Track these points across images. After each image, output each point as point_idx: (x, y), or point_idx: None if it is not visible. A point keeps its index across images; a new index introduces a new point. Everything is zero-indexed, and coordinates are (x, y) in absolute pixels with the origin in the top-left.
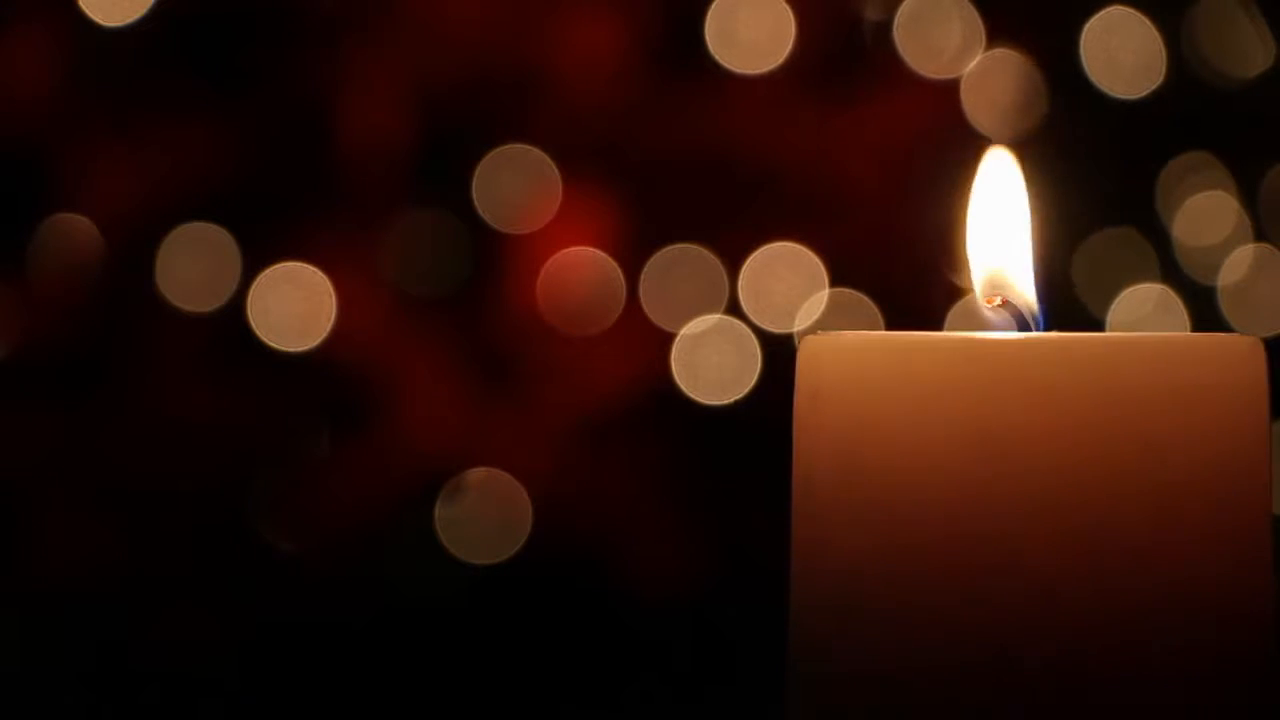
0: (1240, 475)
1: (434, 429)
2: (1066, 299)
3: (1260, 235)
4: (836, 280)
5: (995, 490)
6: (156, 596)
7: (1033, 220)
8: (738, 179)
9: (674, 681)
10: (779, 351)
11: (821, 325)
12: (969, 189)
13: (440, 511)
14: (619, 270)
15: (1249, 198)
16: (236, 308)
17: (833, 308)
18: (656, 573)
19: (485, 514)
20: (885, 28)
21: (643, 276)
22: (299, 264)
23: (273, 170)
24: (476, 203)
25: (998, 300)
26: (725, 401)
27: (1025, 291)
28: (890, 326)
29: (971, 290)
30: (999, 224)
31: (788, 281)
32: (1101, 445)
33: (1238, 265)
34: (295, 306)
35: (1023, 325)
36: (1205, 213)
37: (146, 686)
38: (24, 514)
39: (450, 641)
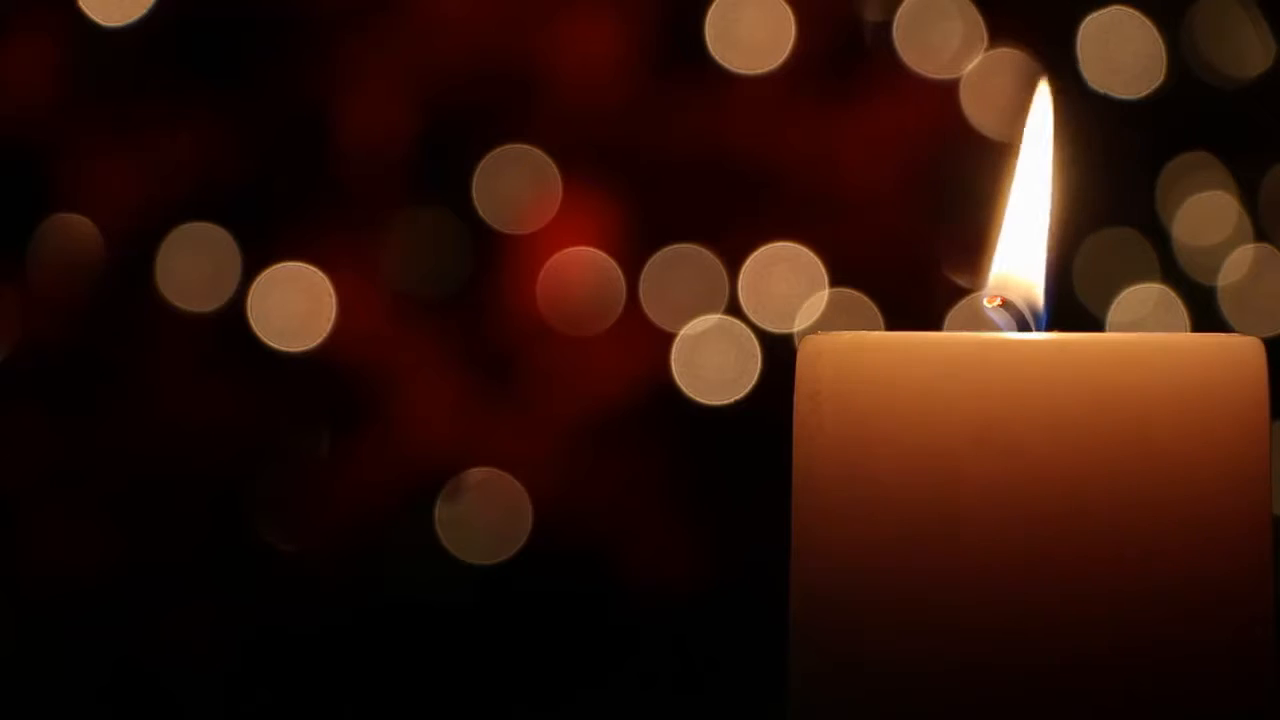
0: (1240, 475)
1: (434, 429)
2: (1066, 299)
3: (1260, 235)
4: (836, 280)
5: (995, 490)
6: (156, 597)
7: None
8: (738, 179)
9: (674, 681)
10: (779, 351)
11: (821, 325)
12: (1007, 178)
13: (440, 511)
14: (619, 270)
15: (1249, 198)
16: (236, 308)
17: (833, 308)
18: (656, 572)
19: (485, 514)
20: (885, 28)
21: (643, 276)
22: (299, 264)
23: (273, 170)
24: (476, 203)
25: (998, 300)
26: (725, 401)
27: (1033, 290)
28: (890, 326)
29: (976, 287)
30: (1033, 195)
31: (788, 281)
32: (1101, 445)
33: (1238, 265)
34: (295, 306)
35: (1023, 325)
36: (1205, 213)
37: (146, 686)
38: (24, 514)
39: (450, 642)
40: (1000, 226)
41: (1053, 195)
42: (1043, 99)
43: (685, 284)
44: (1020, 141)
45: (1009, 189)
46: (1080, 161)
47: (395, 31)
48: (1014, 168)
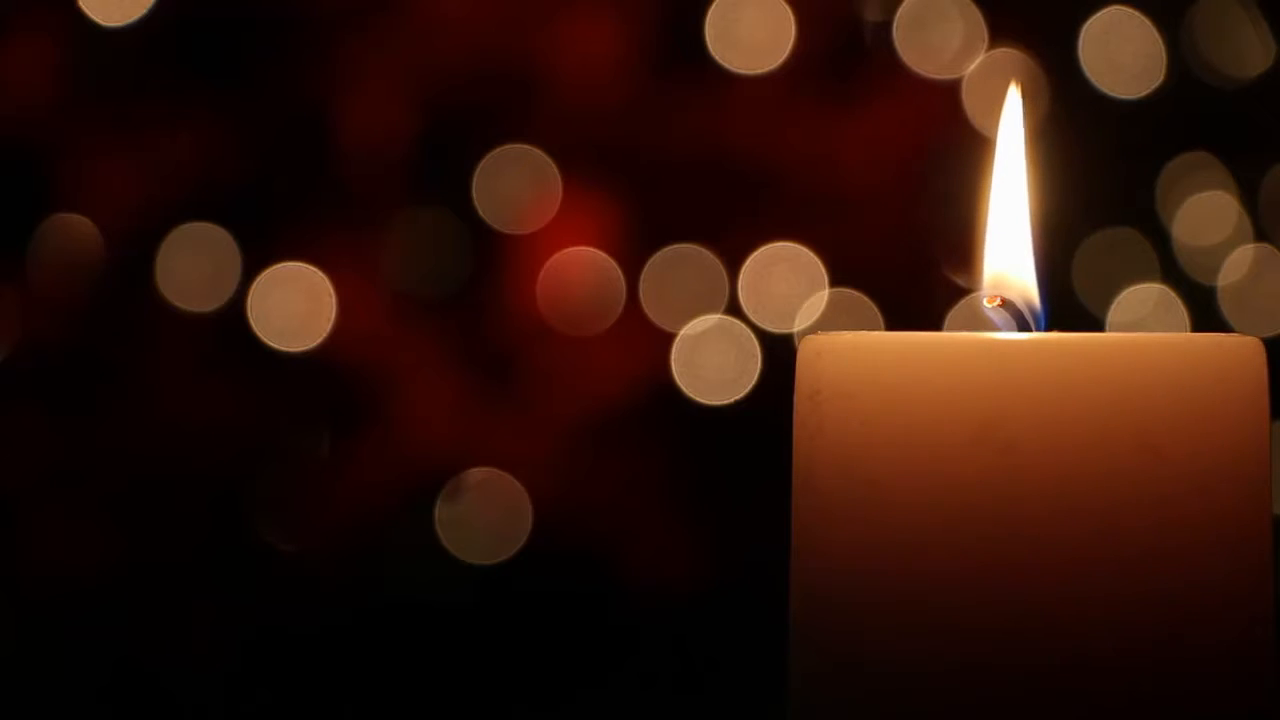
0: (1240, 475)
1: (434, 429)
2: (1066, 299)
3: (1260, 235)
4: (836, 280)
5: (995, 490)
6: (156, 597)
7: (1032, 195)
8: (738, 179)
9: (674, 681)
10: (779, 351)
11: (821, 325)
12: (985, 179)
13: (440, 511)
14: (619, 270)
15: (1249, 198)
16: (236, 308)
17: (833, 308)
18: (656, 572)
19: (485, 514)
20: (885, 28)
21: (643, 276)
22: (299, 264)
23: (273, 170)
24: (476, 203)
25: (998, 300)
26: (725, 401)
27: (1028, 290)
28: (890, 326)
29: (974, 288)
30: (1014, 194)
31: (788, 281)
32: (1101, 445)
33: (1238, 265)
34: (295, 306)
35: (1023, 325)
36: (1205, 213)
37: (146, 686)
38: (24, 514)
39: (450, 642)
40: (984, 227)
41: (1031, 195)
42: (1013, 102)
43: (685, 284)
44: (997, 143)
45: (989, 190)
46: (1081, 161)
47: (395, 31)
48: (993, 169)
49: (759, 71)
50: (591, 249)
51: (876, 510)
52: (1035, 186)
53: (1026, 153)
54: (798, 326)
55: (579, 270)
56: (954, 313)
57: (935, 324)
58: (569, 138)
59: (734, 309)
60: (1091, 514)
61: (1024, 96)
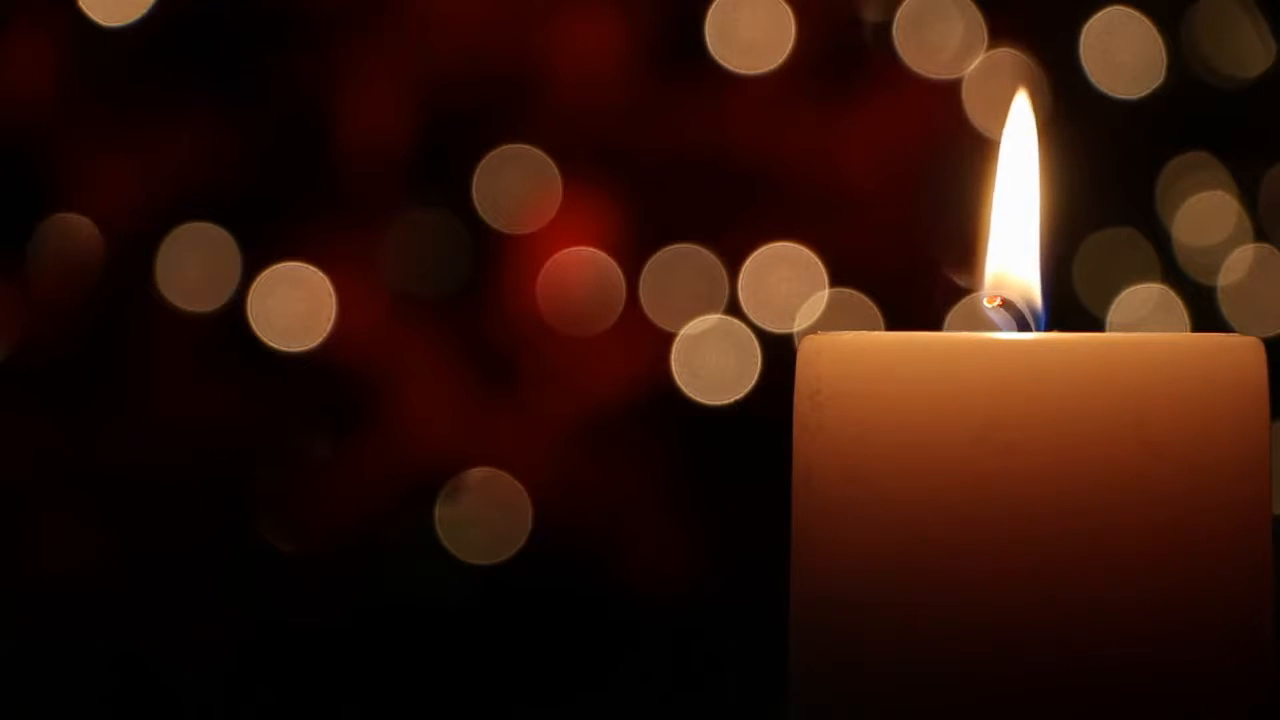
0: (1240, 475)
1: (434, 429)
2: (1066, 299)
3: (1260, 235)
4: (836, 280)
5: (995, 490)
6: (156, 597)
7: (1041, 195)
8: (738, 179)
9: (674, 681)
10: (779, 351)
11: (821, 325)
12: (989, 177)
13: (440, 511)
14: (619, 270)
15: (1249, 198)
16: (236, 308)
17: (833, 308)
18: (656, 573)
19: (485, 514)
20: (885, 28)
21: (643, 276)
22: (299, 264)
23: (272, 170)
24: (476, 203)
25: (998, 300)
26: (725, 401)
27: (1029, 290)
28: (890, 326)
29: (974, 288)
30: (1020, 197)
31: (788, 281)
32: (1101, 445)
33: (1238, 265)
34: (295, 306)
35: (1023, 325)
36: (1205, 213)
37: (147, 686)
38: (23, 514)
39: (450, 642)
40: (988, 228)
41: (1041, 198)
42: (1021, 106)
43: (685, 284)
44: (1001, 143)
45: (993, 190)
46: (1081, 161)
47: (395, 31)
48: (996, 169)
49: (759, 71)
50: (591, 249)
51: (876, 510)
52: (1041, 188)
53: (1038, 156)
54: (798, 326)
55: (579, 270)
56: (954, 313)
57: (935, 324)
58: (569, 138)
59: (734, 309)
60: (1091, 514)
61: (1031, 100)
